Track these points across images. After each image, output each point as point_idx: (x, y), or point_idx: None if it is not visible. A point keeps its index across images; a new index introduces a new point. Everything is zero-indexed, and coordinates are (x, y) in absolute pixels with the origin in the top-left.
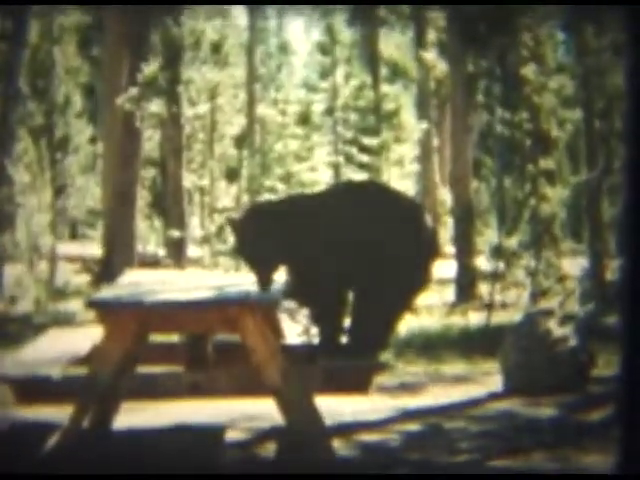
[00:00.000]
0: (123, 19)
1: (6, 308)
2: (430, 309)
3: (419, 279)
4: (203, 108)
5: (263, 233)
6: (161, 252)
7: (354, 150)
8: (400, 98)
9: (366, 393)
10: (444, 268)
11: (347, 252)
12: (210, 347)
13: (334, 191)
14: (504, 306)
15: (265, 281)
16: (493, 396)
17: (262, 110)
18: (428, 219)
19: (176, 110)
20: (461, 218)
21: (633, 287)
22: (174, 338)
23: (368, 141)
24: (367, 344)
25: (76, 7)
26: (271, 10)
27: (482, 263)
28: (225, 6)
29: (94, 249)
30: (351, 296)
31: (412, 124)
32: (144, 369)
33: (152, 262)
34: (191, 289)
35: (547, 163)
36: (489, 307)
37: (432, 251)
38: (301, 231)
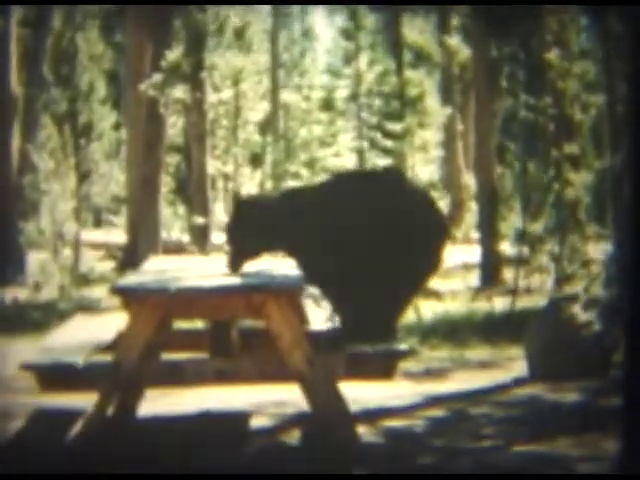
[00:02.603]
0: (146, 5)
1: (31, 295)
2: (455, 294)
3: (429, 264)
4: (227, 94)
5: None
6: (185, 238)
7: (378, 135)
8: (424, 83)
9: (391, 379)
10: (468, 253)
11: (357, 238)
12: (235, 333)
13: (342, 179)
14: (528, 291)
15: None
16: (518, 381)
17: (286, 96)
18: (437, 204)
19: (200, 96)
20: (485, 203)
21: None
22: (199, 325)
23: (392, 126)
24: (377, 329)
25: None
26: None
27: (506, 248)
28: None
29: (118, 236)
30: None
31: (436, 109)
32: (169, 356)
33: (176, 248)
34: (215, 275)
35: (571, 148)
36: (513, 292)
37: (442, 235)
38: (309, 220)
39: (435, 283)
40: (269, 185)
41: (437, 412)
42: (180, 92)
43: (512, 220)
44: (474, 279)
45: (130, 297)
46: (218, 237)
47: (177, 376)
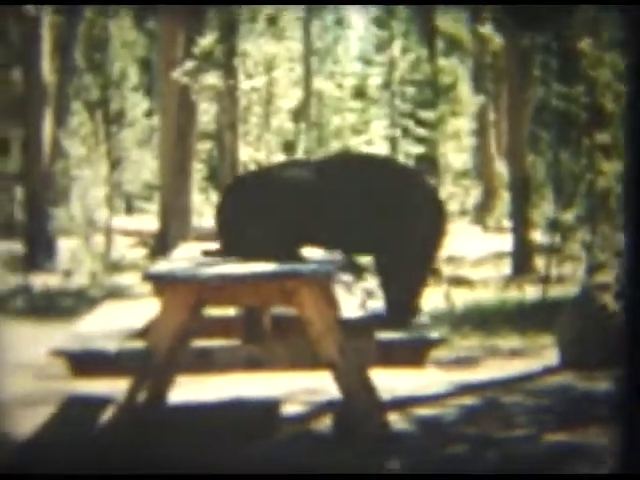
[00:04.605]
0: None
1: (61, 281)
2: (486, 283)
3: (435, 243)
4: (259, 81)
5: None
6: None
7: (411, 123)
8: (457, 71)
9: (422, 367)
10: (500, 242)
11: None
12: (267, 320)
13: (340, 161)
14: (560, 280)
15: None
16: (549, 370)
17: (319, 83)
18: (430, 183)
19: (232, 83)
20: (517, 192)
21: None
22: (231, 312)
23: (425, 114)
24: (397, 313)
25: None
26: None
27: (538, 236)
28: None
29: (150, 223)
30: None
31: (469, 97)
32: (201, 343)
33: (208, 236)
34: (247, 262)
35: (603, 137)
36: (545, 281)
37: (441, 215)
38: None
39: (467, 271)
40: None
41: (468, 400)
42: (213, 79)
43: (544, 208)
44: (506, 267)
45: (162, 284)
46: None
47: (208, 363)
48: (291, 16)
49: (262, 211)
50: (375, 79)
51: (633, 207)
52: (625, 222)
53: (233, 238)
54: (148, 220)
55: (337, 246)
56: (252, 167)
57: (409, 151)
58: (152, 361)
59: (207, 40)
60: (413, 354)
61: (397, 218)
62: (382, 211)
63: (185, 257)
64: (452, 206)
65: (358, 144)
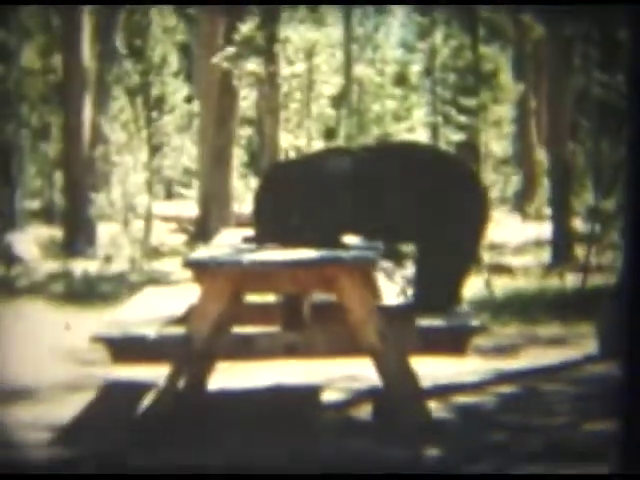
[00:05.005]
0: None
1: (101, 267)
2: (526, 271)
3: (478, 231)
4: (300, 67)
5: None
6: None
7: (452, 111)
8: (498, 59)
9: (463, 355)
10: (541, 229)
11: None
12: (307, 307)
13: (382, 149)
14: (600, 268)
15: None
16: (589, 359)
17: (360, 70)
18: (478, 175)
19: (273, 69)
20: (558, 180)
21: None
22: (270, 298)
23: (466, 101)
24: (436, 299)
25: None
26: None
27: (578, 225)
28: None
29: (190, 209)
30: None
31: (510, 85)
32: (240, 329)
33: (248, 222)
34: (288, 249)
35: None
36: (585, 269)
37: (484, 203)
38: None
39: (507, 259)
40: None
41: (507, 389)
42: (253, 65)
43: (584, 197)
44: (546, 255)
45: (202, 270)
46: None
47: (248, 349)
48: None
49: (304, 199)
50: (416, 66)
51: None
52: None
53: (274, 226)
54: (188, 206)
55: (379, 235)
56: (292, 153)
57: (450, 138)
58: (192, 347)
59: (248, 26)
60: (454, 342)
61: (440, 206)
62: (425, 199)
63: (225, 244)
64: (492, 194)
65: (399, 131)
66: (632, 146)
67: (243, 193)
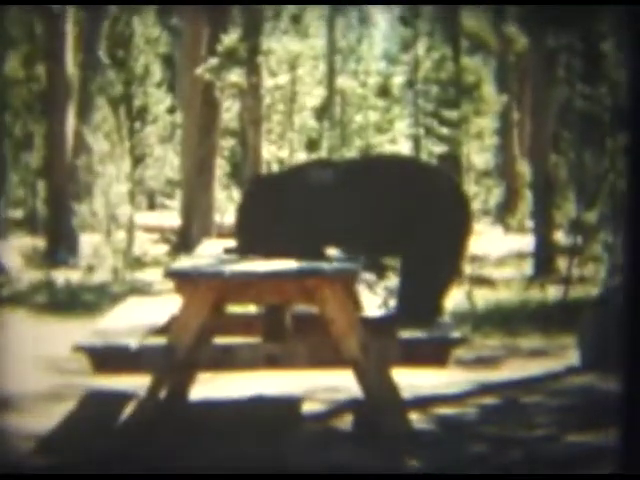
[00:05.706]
0: None
1: (83, 277)
2: (508, 283)
3: (460, 243)
4: (283, 79)
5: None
6: None
7: (434, 122)
8: (481, 71)
9: (444, 366)
10: (522, 242)
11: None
12: (288, 318)
13: (364, 162)
14: (582, 280)
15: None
16: (570, 370)
17: (342, 81)
18: (461, 187)
19: (256, 80)
20: (540, 192)
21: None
22: (252, 309)
23: (448, 114)
24: (419, 312)
25: None
26: None
27: (561, 237)
28: None
29: (172, 219)
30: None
31: (492, 97)
32: (222, 340)
33: (230, 233)
34: (270, 260)
35: (626, 138)
36: (567, 281)
37: (467, 215)
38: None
39: (489, 271)
40: None
41: (489, 400)
42: (236, 76)
43: (567, 209)
44: (528, 267)
45: (184, 281)
46: None
47: (229, 360)
48: (315, 14)
49: (287, 211)
50: (399, 78)
51: (633, 204)
52: (625, 221)
53: (256, 237)
54: (170, 216)
55: (362, 247)
56: (275, 165)
57: (432, 150)
58: (173, 357)
59: (231, 37)
60: (435, 353)
61: (423, 219)
62: (407, 213)
63: (207, 254)
64: (474, 205)
65: (381, 143)
66: (631, 151)
67: (225, 204)
